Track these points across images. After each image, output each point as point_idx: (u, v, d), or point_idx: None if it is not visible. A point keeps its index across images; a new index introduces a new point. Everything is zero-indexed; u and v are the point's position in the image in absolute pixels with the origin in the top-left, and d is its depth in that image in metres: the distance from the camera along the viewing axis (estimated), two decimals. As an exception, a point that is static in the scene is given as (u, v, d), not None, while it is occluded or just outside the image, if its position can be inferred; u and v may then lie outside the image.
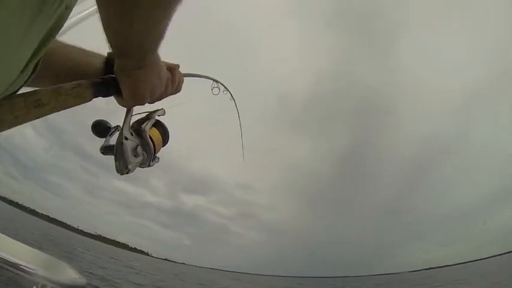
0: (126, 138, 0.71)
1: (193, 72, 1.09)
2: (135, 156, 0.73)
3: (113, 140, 0.75)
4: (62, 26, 0.58)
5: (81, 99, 0.61)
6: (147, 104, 0.76)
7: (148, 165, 0.82)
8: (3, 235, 1.81)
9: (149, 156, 0.79)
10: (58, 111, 0.58)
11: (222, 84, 1.42)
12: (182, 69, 0.90)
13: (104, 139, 0.79)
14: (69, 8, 0.57)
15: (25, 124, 0.59)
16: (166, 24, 0.57)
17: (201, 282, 27.88)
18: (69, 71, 0.72)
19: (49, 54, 0.60)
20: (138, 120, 0.81)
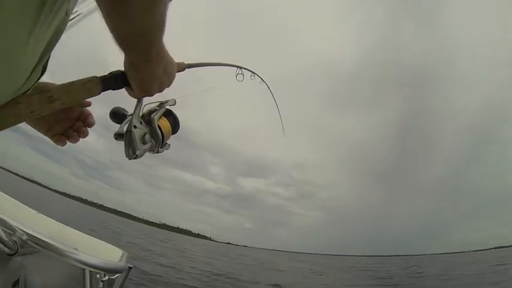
0: (135, 127, 0.76)
1: (215, 62, 1.14)
2: (143, 143, 0.78)
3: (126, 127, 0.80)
4: (64, 30, 0.62)
5: (90, 93, 0.66)
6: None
7: (157, 152, 0.88)
8: (43, 216, 1.78)
9: (157, 143, 0.84)
10: (68, 105, 0.63)
11: (247, 69, 1.45)
12: (209, 58, 1.27)
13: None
14: (68, 15, 0.59)
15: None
16: (164, 15, 0.57)
17: (257, 264, 28.08)
18: None
19: None
20: (150, 109, 0.86)
